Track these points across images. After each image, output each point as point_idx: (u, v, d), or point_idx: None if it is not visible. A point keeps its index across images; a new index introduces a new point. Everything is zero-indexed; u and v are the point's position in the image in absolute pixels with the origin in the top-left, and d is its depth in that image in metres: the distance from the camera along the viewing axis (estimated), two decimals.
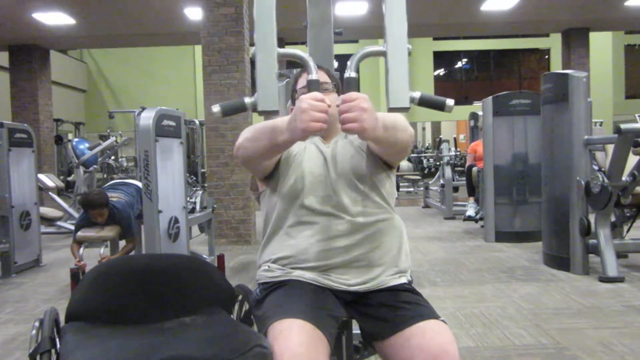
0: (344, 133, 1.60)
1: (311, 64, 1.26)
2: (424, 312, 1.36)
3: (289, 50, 1.30)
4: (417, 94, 1.25)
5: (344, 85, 1.24)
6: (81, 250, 3.91)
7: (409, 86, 1.22)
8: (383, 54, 1.22)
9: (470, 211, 6.83)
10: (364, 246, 1.44)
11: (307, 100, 1.17)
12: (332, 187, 1.48)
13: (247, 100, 1.26)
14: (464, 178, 7.97)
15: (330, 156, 1.52)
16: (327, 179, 1.49)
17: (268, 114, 1.24)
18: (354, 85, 1.21)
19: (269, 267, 1.50)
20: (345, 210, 1.45)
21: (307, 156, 1.53)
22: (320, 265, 1.43)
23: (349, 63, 1.24)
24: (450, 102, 1.28)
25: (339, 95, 1.60)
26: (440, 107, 1.29)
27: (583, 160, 3.98)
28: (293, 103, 1.60)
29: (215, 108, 1.28)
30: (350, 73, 1.22)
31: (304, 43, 2.42)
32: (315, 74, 1.26)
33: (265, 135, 1.34)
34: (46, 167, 10.83)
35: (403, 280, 1.49)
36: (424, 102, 1.27)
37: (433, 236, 5.96)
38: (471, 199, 7.01)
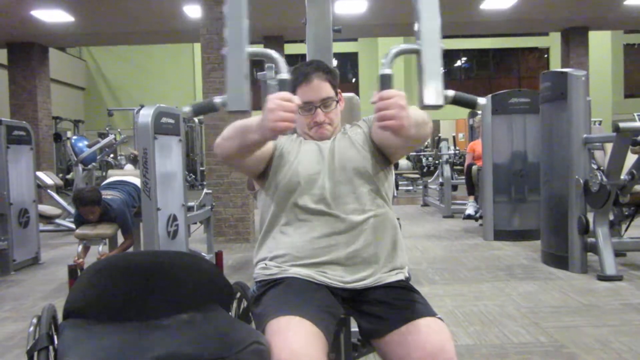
0: (343, 130, 1.61)
1: (282, 63, 1.26)
2: (421, 309, 1.36)
3: (260, 49, 1.28)
4: (450, 92, 1.24)
5: (379, 82, 1.21)
6: (80, 247, 3.91)
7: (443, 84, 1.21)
8: (417, 51, 1.21)
9: (470, 210, 6.83)
10: (358, 243, 1.44)
11: (274, 100, 1.17)
12: (328, 184, 1.48)
13: (218, 99, 1.25)
14: (463, 177, 7.98)
15: (328, 152, 1.52)
16: (323, 176, 1.49)
17: (238, 114, 1.23)
18: (389, 82, 1.19)
19: (265, 264, 1.50)
20: (339, 209, 1.45)
21: (303, 152, 1.53)
22: (316, 262, 1.43)
23: (383, 60, 1.22)
24: (482, 100, 1.28)
25: (335, 90, 1.57)
26: (473, 105, 1.29)
27: (582, 158, 3.98)
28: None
29: (187, 108, 1.29)
30: (385, 70, 1.20)
31: (302, 41, 2.42)
32: (286, 74, 1.25)
33: (238, 134, 1.35)
34: (45, 164, 10.82)
35: (400, 277, 1.49)
36: (456, 101, 1.27)
37: (432, 234, 5.96)
38: (471, 198, 7.00)
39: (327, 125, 1.55)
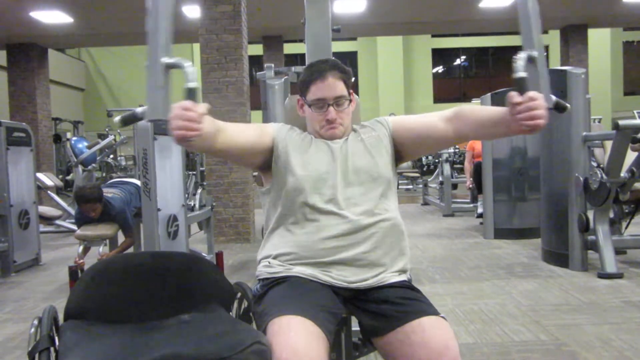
0: (354, 131, 1.60)
1: (192, 73, 1.27)
2: (424, 308, 1.36)
3: (175, 60, 1.32)
4: (554, 97, 1.38)
5: (516, 84, 1.28)
6: (80, 248, 3.92)
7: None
8: (534, 58, 1.33)
9: (481, 208, 6.79)
10: (365, 245, 1.44)
11: (176, 108, 1.18)
12: (339, 185, 1.48)
13: (139, 109, 1.31)
14: (463, 175, 7.97)
15: (340, 153, 1.52)
16: (333, 176, 1.49)
17: (159, 122, 1.30)
18: (525, 84, 1.27)
19: (269, 262, 1.50)
20: (349, 210, 1.45)
21: (314, 151, 1.53)
22: (321, 262, 1.44)
23: (517, 65, 1.29)
24: (567, 106, 1.41)
25: (349, 90, 1.56)
26: (564, 109, 1.40)
27: (582, 156, 3.99)
28: (303, 95, 1.58)
29: (117, 119, 1.37)
30: (521, 73, 1.28)
31: (302, 41, 2.42)
32: (195, 83, 1.26)
33: None
34: (45, 166, 10.82)
35: (403, 277, 1.50)
36: (556, 104, 1.39)
37: (432, 233, 5.96)
38: (481, 197, 6.96)
39: (339, 125, 1.55)
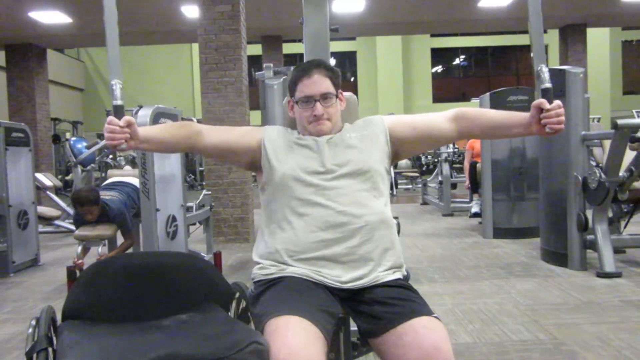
0: (345, 128, 1.62)
1: (117, 94, 1.45)
2: (417, 308, 1.36)
3: (112, 82, 1.50)
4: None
5: (542, 94, 1.45)
6: (79, 248, 3.91)
7: None
8: (543, 72, 1.49)
9: (476, 208, 6.79)
10: (354, 239, 1.45)
11: (106, 122, 1.40)
12: (324, 177, 1.50)
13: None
14: (462, 175, 7.97)
15: (328, 148, 1.54)
16: (319, 168, 1.51)
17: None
18: (552, 93, 1.45)
19: (262, 264, 1.51)
20: (338, 204, 1.46)
21: (301, 147, 1.55)
22: (313, 256, 1.44)
23: (542, 77, 1.46)
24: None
25: (337, 89, 1.59)
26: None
27: (580, 156, 3.99)
28: (292, 96, 1.63)
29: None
30: (547, 84, 1.45)
31: (301, 40, 2.41)
32: (119, 101, 1.44)
33: None
34: (44, 166, 10.82)
35: (397, 275, 1.50)
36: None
37: (431, 233, 5.97)
38: (476, 196, 6.98)
39: (325, 121, 1.57)
